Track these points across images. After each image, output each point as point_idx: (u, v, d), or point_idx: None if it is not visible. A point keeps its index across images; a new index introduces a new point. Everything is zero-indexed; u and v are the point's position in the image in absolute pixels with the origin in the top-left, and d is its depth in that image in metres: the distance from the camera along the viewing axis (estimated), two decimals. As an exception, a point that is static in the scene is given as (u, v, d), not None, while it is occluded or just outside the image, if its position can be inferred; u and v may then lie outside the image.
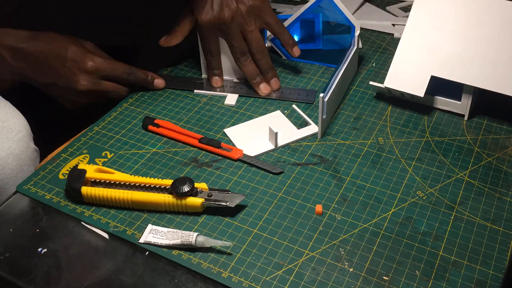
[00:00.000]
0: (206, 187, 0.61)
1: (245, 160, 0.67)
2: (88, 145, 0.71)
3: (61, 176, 0.66)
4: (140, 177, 0.63)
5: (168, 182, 0.61)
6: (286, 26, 0.83)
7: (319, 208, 0.60)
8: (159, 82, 0.81)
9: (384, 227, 0.59)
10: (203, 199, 0.60)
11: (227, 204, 0.60)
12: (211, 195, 0.60)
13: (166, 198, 0.60)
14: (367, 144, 0.70)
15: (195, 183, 0.60)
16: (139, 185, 0.62)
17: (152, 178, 0.62)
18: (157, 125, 0.73)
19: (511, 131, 0.71)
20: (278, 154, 0.69)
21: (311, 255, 0.56)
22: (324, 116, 0.69)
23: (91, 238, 0.60)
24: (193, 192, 0.60)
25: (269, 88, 0.79)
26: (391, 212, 0.61)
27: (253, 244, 0.58)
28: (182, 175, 0.64)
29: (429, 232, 0.58)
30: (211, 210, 0.61)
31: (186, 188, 0.59)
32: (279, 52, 0.87)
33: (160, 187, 0.61)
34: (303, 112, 0.75)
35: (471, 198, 0.62)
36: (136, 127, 0.74)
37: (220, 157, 0.69)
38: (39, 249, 0.58)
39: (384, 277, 0.54)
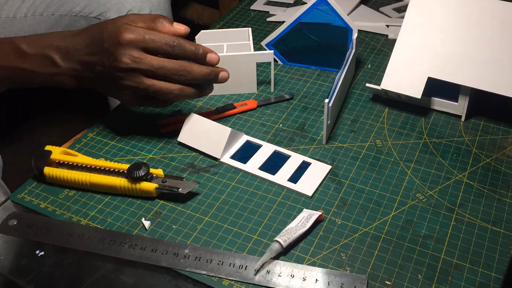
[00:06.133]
0: (162, 173, 0.63)
1: (262, 103, 0.76)
2: (82, 152, 0.70)
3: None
4: (102, 160, 0.66)
5: (127, 166, 0.63)
6: (283, 29, 0.83)
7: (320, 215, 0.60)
8: (212, 56, 0.65)
9: (385, 231, 0.58)
10: (156, 185, 0.62)
11: (179, 190, 0.61)
12: (165, 181, 0.62)
13: (121, 182, 0.62)
14: (365, 147, 0.70)
15: (151, 169, 0.63)
16: (99, 168, 0.64)
17: (112, 162, 0.65)
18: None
19: (509, 132, 0.71)
20: (276, 158, 0.68)
21: (312, 260, 0.56)
22: (329, 122, 0.69)
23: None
24: (148, 177, 0.62)
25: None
26: (391, 215, 0.60)
27: (254, 250, 0.57)
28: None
29: (430, 235, 0.58)
30: (207, 208, 0.60)
31: (140, 173, 0.61)
32: (274, 57, 0.87)
33: (118, 171, 0.64)
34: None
35: (471, 200, 0.62)
36: (131, 133, 0.73)
37: (217, 162, 0.68)
38: (37, 251, 0.58)
39: (387, 282, 0.53)
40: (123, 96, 0.66)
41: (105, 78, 0.64)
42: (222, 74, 0.67)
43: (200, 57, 0.65)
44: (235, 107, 0.74)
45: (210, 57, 0.65)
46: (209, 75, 0.66)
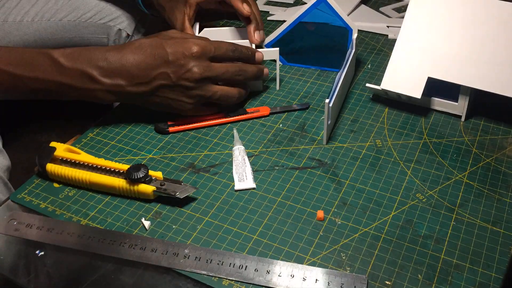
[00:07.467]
0: (161, 176, 0.63)
1: (276, 111, 0.75)
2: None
3: (55, 184, 0.65)
4: (103, 159, 0.66)
5: (128, 167, 0.63)
6: (283, 29, 0.83)
7: (320, 214, 0.60)
8: (259, 55, 0.75)
9: (385, 231, 0.58)
10: (154, 187, 0.61)
11: (176, 195, 0.61)
12: (164, 184, 0.62)
13: (120, 183, 0.62)
14: (365, 147, 0.70)
15: (150, 171, 0.62)
16: (100, 167, 0.64)
17: (113, 162, 0.65)
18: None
19: (509, 132, 0.71)
20: (276, 158, 0.68)
21: (312, 260, 0.56)
22: (329, 122, 0.69)
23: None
24: (146, 180, 0.62)
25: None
26: (391, 215, 0.60)
27: (254, 250, 0.57)
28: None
29: (430, 235, 0.58)
30: (206, 208, 0.60)
31: (139, 175, 0.61)
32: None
33: (118, 171, 0.64)
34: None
35: (471, 200, 0.62)
36: (131, 133, 0.73)
37: (217, 162, 0.68)
38: (37, 251, 0.58)
39: (387, 282, 0.53)
40: (185, 106, 0.69)
41: (167, 92, 0.67)
42: (265, 71, 0.75)
43: (251, 57, 0.73)
44: (247, 112, 0.74)
45: (257, 55, 0.74)
46: (259, 72, 0.74)
